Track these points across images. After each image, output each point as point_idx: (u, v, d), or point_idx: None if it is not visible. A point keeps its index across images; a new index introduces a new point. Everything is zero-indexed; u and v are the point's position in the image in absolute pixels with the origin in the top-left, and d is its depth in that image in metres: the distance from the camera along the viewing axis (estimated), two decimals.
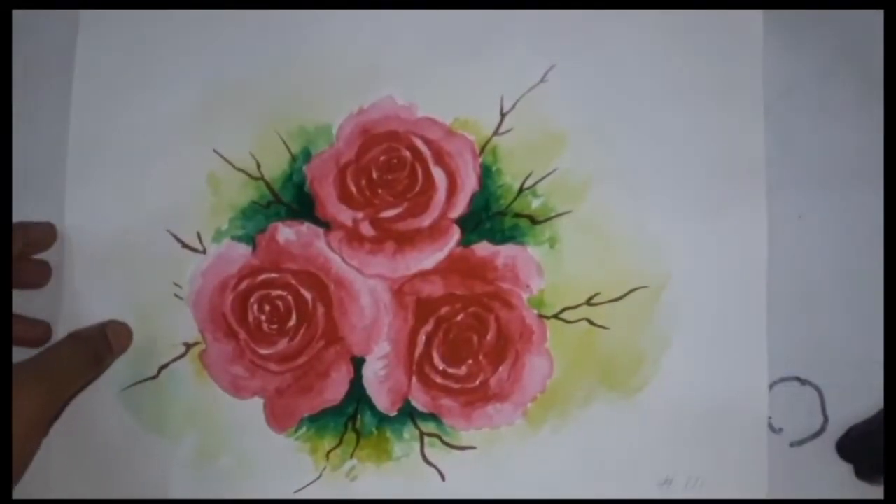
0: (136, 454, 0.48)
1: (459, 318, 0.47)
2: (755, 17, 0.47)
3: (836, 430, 0.47)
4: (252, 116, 0.50)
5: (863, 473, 0.46)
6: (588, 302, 0.47)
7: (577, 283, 0.47)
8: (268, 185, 0.49)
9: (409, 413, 0.48)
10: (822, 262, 0.46)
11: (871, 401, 0.46)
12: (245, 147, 0.49)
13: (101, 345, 0.47)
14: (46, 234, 0.49)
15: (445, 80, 0.49)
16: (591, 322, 0.47)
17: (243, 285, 0.49)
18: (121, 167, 0.50)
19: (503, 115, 0.48)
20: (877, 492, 0.45)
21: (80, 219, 0.50)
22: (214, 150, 0.50)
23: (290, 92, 0.50)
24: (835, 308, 0.47)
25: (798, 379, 0.46)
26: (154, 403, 0.49)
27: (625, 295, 0.46)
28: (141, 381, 0.49)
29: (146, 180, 0.50)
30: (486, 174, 0.48)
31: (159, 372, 0.49)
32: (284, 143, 0.49)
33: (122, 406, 0.49)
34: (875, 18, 0.46)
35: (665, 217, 0.47)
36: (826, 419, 0.47)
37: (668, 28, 0.47)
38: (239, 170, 0.49)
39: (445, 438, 0.47)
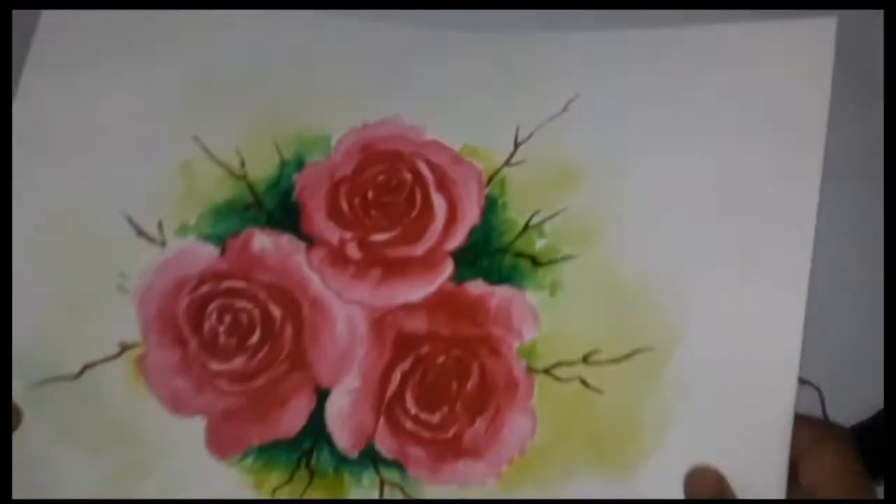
0: (44, 464, 0.41)
1: (441, 360, 0.42)
2: (796, 30, 0.44)
3: None
4: (243, 112, 0.46)
5: None
6: (585, 359, 0.42)
7: (576, 337, 0.42)
8: (250, 186, 0.45)
9: (371, 457, 0.42)
10: (821, 262, 0.44)
11: (871, 401, 0.46)
12: (231, 142, 0.45)
13: None
14: None
15: (458, 103, 0.46)
16: (585, 383, 0.42)
17: (204, 289, 0.43)
18: (78, 142, 0.45)
19: (517, 145, 0.45)
20: (877, 492, 0.44)
21: (29, 187, 0.44)
22: (195, 138, 0.45)
23: (289, 93, 0.46)
24: (835, 308, 0.47)
25: (798, 379, 0.43)
26: (72, 407, 0.42)
27: (627, 356, 0.42)
28: (57, 380, 0.42)
29: (108, 157, 0.45)
30: (490, 207, 0.44)
31: (82, 371, 0.42)
32: (276, 146, 0.45)
33: (32, 405, 0.42)
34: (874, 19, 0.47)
35: (684, 269, 0.43)
36: (826, 419, 0.46)
37: (695, 51, 0.45)
38: (219, 163, 0.45)
39: (407, 490, 0.41)
